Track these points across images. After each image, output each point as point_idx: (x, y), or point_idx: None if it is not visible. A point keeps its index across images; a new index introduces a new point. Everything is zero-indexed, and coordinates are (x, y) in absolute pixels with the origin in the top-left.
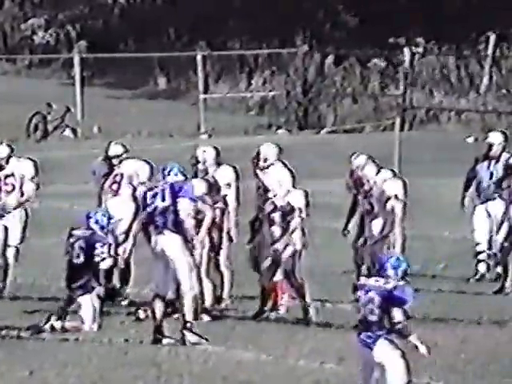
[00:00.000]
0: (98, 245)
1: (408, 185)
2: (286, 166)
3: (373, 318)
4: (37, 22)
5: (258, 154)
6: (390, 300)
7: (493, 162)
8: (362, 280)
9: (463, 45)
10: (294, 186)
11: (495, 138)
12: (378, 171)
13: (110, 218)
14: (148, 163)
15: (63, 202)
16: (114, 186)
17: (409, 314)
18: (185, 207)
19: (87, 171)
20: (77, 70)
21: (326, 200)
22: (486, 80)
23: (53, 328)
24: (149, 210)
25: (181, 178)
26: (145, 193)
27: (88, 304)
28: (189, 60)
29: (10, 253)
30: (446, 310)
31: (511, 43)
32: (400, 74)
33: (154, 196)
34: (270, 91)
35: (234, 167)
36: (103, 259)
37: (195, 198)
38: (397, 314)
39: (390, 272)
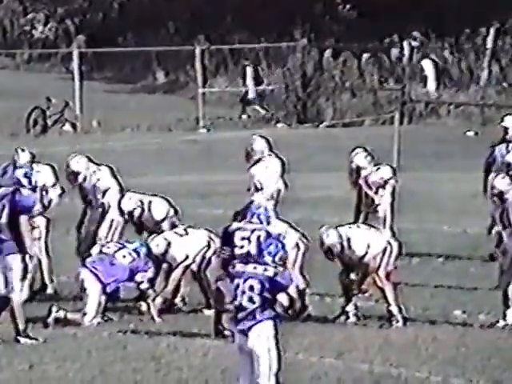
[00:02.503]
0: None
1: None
2: (277, 156)
3: (252, 305)
4: (36, 17)
5: (252, 149)
6: (272, 287)
7: (510, 145)
8: (239, 267)
9: (462, 38)
10: (283, 176)
11: (511, 121)
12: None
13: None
14: (108, 167)
15: (64, 196)
16: (87, 199)
17: (293, 298)
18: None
19: None
20: (76, 64)
21: (325, 194)
22: (485, 73)
23: (57, 319)
24: (237, 251)
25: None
26: (233, 231)
27: (95, 297)
28: (187, 54)
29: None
30: (445, 303)
31: (510, 36)
32: (399, 68)
33: (246, 239)
34: (269, 85)
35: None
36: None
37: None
38: (283, 299)
39: (268, 259)
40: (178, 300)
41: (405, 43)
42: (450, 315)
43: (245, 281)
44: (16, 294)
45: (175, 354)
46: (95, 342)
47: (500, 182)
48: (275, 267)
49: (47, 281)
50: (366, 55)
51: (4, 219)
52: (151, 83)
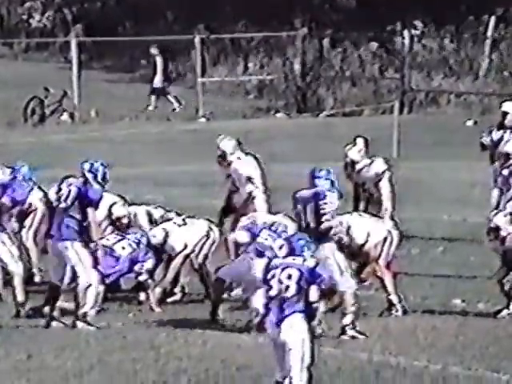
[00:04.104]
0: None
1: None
2: (247, 153)
3: (287, 294)
4: (33, 6)
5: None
6: (310, 277)
7: (508, 131)
8: (276, 261)
9: (462, 27)
10: (261, 170)
11: (510, 106)
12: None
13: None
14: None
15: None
16: None
17: (323, 292)
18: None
19: (85, 155)
20: (74, 53)
21: None
22: (485, 62)
23: (60, 309)
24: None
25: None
26: (260, 231)
27: (93, 287)
28: (187, 43)
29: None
30: (444, 293)
31: (511, 25)
32: (399, 57)
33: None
34: (269, 74)
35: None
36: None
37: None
38: (313, 294)
39: (306, 252)
40: (177, 290)
41: (405, 32)
42: (450, 304)
43: (282, 270)
44: (81, 280)
45: (174, 344)
46: (94, 331)
47: (499, 219)
48: (316, 258)
49: (35, 269)
50: (366, 44)
51: (68, 203)
52: (150, 73)
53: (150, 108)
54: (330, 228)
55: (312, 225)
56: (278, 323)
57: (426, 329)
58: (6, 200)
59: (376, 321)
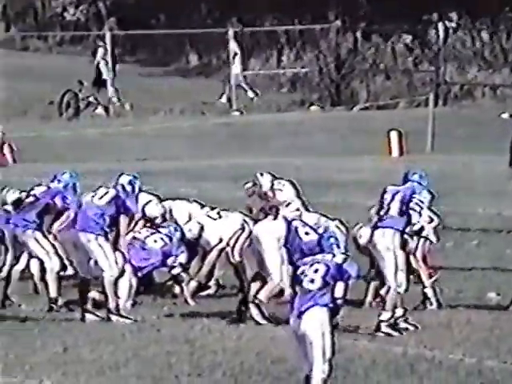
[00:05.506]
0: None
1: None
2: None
3: (312, 286)
4: None
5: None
6: (337, 272)
7: None
8: (306, 259)
9: (497, 19)
10: (298, 196)
11: None
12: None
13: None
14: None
15: (96, 179)
16: None
17: (347, 289)
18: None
19: (119, 148)
20: (108, 46)
21: (358, 177)
22: None
23: (95, 301)
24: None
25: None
26: (296, 227)
27: (125, 281)
28: (220, 36)
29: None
30: (479, 286)
31: None
32: (433, 50)
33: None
34: (302, 68)
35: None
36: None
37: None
38: (338, 289)
39: (336, 250)
40: (212, 283)
41: (439, 25)
42: (484, 297)
43: (311, 266)
44: (106, 274)
45: (209, 337)
46: (129, 325)
47: None
48: (346, 255)
49: (66, 262)
50: (399, 37)
51: (101, 202)
52: (184, 66)
53: (90, 99)
54: (422, 228)
55: (392, 213)
56: (300, 315)
57: (460, 322)
58: (58, 201)
59: (411, 314)
